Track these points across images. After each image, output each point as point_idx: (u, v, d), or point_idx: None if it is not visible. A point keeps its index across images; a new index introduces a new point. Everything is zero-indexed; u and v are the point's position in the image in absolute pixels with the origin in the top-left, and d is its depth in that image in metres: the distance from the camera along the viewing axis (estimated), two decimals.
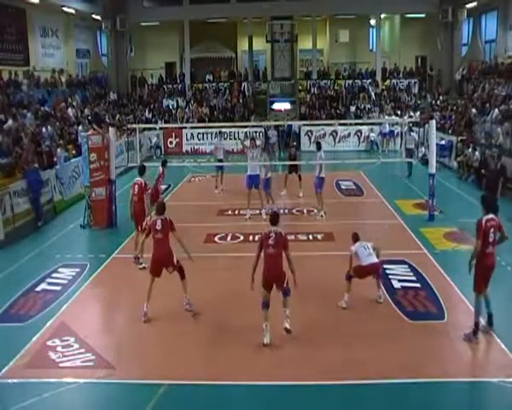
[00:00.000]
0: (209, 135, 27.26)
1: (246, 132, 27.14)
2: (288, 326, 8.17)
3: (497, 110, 20.96)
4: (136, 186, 11.80)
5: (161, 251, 9.22)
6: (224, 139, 25.51)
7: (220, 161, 18.84)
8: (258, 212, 14.65)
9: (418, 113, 27.14)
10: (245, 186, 15.16)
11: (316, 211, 15.14)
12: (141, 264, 11.15)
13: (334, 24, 34.91)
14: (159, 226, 9.16)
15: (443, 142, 22.19)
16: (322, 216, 14.83)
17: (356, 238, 9.76)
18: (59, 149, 18.27)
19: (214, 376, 7.27)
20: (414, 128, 21.36)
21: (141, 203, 11.67)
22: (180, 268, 9.38)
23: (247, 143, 15.59)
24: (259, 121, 27.94)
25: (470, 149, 19.78)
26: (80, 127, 21.20)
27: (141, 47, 34.06)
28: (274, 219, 8.52)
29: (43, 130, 19.23)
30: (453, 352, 7.84)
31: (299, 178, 17.18)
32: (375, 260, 9.35)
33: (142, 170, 12.27)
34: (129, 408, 6.86)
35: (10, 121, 18.03)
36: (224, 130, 24.54)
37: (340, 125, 27.16)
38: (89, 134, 15.06)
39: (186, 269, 10.98)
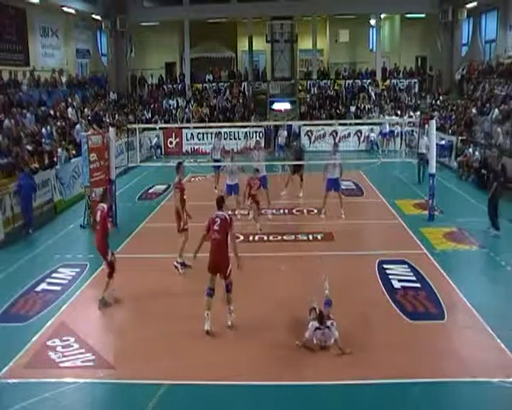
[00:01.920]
0: (209, 135, 27.25)
1: (246, 132, 27.22)
2: (230, 323, 8.54)
3: (497, 110, 20.98)
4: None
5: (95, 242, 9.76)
6: (225, 139, 25.64)
7: (217, 161, 18.84)
8: (262, 212, 14.74)
9: (418, 113, 27.17)
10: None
11: (341, 212, 15.00)
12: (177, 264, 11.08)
13: (334, 24, 34.93)
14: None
15: (443, 142, 22.19)
16: (344, 215, 14.83)
17: (321, 317, 7.87)
18: (59, 149, 18.27)
19: (214, 376, 7.27)
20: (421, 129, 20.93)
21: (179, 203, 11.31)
22: (110, 264, 9.61)
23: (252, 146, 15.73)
24: (259, 121, 27.95)
25: (470, 149, 19.78)
26: (78, 126, 21.17)
27: (141, 47, 34.05)
28: (219, 202, 8.71)
29: (43, 130, 19.24)
30: (453, 352, 7.84)
31: (301, 179, 17.22)
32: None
33: (176, 167, 11.78)
34: (129, 408, 6.85)
35: (6, 121, 18.01)
36: (222, 130, 24.54)
37: (340, 125, 27.17)
38: (89, 134, 15.06)
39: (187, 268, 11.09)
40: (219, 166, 18.63)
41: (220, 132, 21.68)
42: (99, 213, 9.63)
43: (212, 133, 27.12)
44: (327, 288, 8.63)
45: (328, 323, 7.78)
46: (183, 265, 11.21)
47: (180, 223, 11.26)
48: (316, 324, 7.78)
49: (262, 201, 14.97)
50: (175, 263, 11.13)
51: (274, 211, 15.47)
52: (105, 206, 9.78)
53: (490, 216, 13.11)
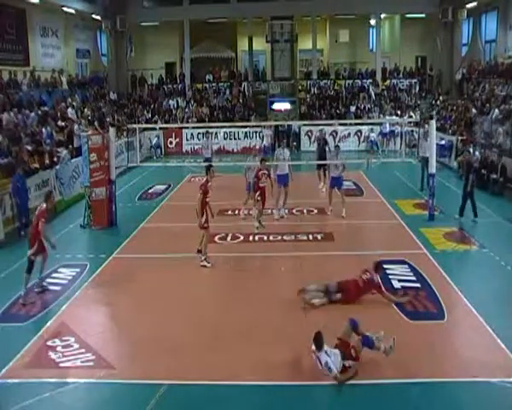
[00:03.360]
0: (209, 135, 27.21)
1: (246, 132, 27.22)
2: None
3: (497, 110, 20.98)
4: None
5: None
6: (225, 139, 25.77)
7: (208, 159, 18.97)
8: (269, 211, 14.81)
9: (418, 113, 27.17)
10: (277, 185, 15.26)
11: (343, 211, 15.08)
12: (202, 261, 11.51)
13: (334, 24, 34.92)
14: None
15: (443, 142, 22.18)
16: (345, 213, 14.96)
17: (320, 344, 7.25)
18: (65, 151, 18.28)
19: (214, 376, 7.26)
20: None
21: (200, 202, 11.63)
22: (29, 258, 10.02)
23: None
24: (259, 121, 27.94)
25: (471, 149, 19.72)
26: (76, 126, 21.13)
27: (141, 47, 34.05)
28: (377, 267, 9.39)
29: (44, 130, 19.22)
30: (453, 352, 7.84)
31: (324, 174, 17.82)
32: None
33: (207, 169, 12.38)
34: (129, 408, 6.85)
35: (6, 114, 17.98)
36: (217, 130, 24.53)
37: (340, 125, 27.17)
38: (89, 134, 15.06)
39: (186, 268, 11.09)
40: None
41: (209, 132, 21.66)
42: (37, 210, 10.38)
43: (211, 133, 27.16)
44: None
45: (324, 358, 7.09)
46: (199, 251, 11.66)
47: (201, 220, 11.54)
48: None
49: (279, 197, 15.16)
50: (201, 263, 11.51)
51: (286, 211, 15.42)
52: (44, 205, 10.40)
53: (463, 203, 14.35)
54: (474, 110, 23.25)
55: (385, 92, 31.00)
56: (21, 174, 14.44)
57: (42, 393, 6.93)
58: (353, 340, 7.46)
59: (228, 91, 31.62)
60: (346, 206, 15.13)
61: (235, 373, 7.36)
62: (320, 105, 30.11)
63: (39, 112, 21.00)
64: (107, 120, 23.47)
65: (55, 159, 17.66)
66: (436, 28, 30.47)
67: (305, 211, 15.89)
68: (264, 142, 26.10)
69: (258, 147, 25.24)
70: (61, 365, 7.67)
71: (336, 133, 27.50)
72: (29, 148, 16.96)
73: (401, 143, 24.30)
